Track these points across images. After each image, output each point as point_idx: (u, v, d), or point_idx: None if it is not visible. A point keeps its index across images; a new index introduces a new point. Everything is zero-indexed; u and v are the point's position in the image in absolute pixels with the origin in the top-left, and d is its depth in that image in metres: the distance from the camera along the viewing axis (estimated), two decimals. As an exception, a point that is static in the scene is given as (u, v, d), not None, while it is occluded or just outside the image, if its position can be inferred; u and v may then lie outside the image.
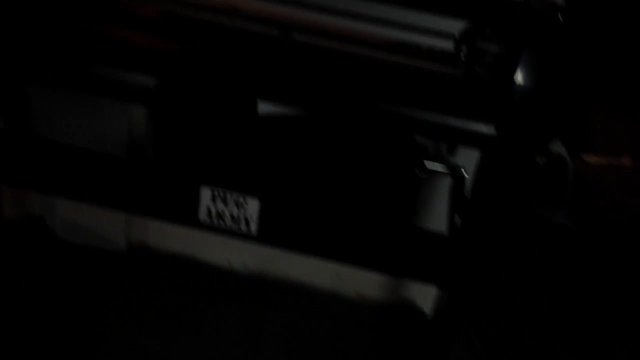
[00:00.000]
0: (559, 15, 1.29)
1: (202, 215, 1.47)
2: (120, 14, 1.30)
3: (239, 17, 1.30)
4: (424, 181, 1.85)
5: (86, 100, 1.69)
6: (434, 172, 1.76)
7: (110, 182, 1.53)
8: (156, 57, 1.29)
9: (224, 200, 1.45)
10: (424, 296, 2.07)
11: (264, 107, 1.33)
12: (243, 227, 1.47)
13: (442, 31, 1.31)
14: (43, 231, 2.09)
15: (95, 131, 1.68)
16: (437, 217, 1.94)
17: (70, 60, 1.37)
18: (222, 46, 1.29)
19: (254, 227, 1.47)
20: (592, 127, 3.66)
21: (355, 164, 1.60)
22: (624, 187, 3.18)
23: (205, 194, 1.44)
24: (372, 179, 1.63)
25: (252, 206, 1.45)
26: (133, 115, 1.60)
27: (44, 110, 1.70)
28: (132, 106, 1.60)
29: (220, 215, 1.46)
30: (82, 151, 1.52)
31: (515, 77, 1.23)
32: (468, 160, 1.66)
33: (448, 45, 1.31)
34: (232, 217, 1.46)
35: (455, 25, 1.31)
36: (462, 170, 1.69)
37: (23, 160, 1.54)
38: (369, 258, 1.53)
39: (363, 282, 2.13)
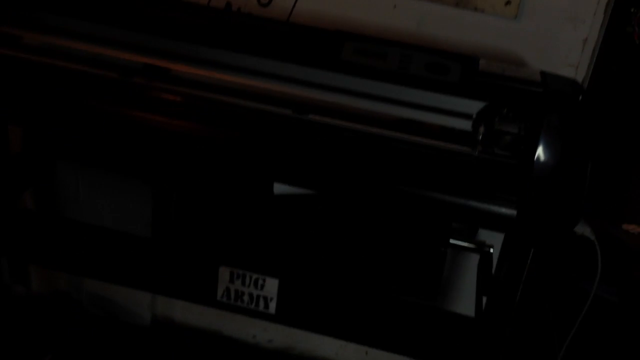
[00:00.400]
0: (580, 95, 1.27)
1: (220, 295, 1.46)
2: (140, 97, 1.33)
3: (254, 98, 1.32)
4: (449, 259, 1.82)
5: (112, 178, 1.73)
6: (460, 249, 1.73)
7: (131, 263, 1.54)
8: (174, 138, 1.31)
9: (243, 280, 1.44)
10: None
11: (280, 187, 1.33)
12: (262, 307, 1.45)
13: (459, 111, 1.30)
14: (70, 304, 2.11)
15: (121, 209, 1.71)
16: (464, 296, 1.90)
17: (96, 141, 1.39)
18: (238, 128, 1.30)
19: (272, 307, 1.45)
20: (632, 195, 3.59)
21: (376, 242, 1.58)
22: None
23: (224, 274, 1.44)
24: (395, 258, 1.61)
25: (271, 286, 1.43)
26: (157, 194, 1.62)
27: (71, 188, 1.73)
28: (156, 185, 1.62)
29: (238, 295, 1.45)
30: (106, 232, 1.54)
31: (535, 158, 1.21)
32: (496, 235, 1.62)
33: (465, 124, 1.30)
34: (250, 296, 1.45)
35: (473, 105, 1.30)
36: (490, 248, 1.65)
37: (51, 242, 1.57)
38: (390, 341, 1.49)
39: (392, 360, 2.08)
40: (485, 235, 1.68)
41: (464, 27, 1.68)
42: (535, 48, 1.67)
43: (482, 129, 1.28)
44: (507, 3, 1.62)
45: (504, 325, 1.42)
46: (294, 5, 1.72)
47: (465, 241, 1.65)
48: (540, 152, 1.20)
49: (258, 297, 1.45)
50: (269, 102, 1.32)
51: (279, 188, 1.32)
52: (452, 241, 1.63)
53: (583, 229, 1.37)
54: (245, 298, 1.45)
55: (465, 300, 1.90)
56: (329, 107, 1.31)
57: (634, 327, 2.64)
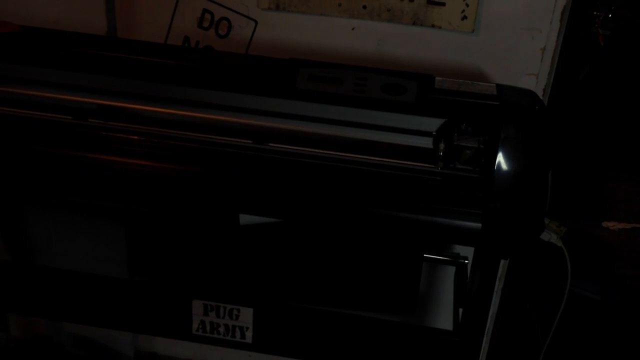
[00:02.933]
0: (536, 105, 1.29)
1: (196, 328, 1.45)
2: (98, 138, 1.33)
3: (214, 131, 1.33)
4: (426, 273, 1.82)
5: (84, 220, 1.72)
6: (436, 262, 1.73)
7: (106, 305, 1.54)
8: (137, 177, 1.31)
9: (217, 312, 1.43)
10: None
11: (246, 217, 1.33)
12: (238, 336, 1.45)
13: (418, 130, 1.31)
14: (51, 347, 2.09)
15: (95, 251, 1.70)
16: (445, 309, 1.90)
17: (59, 186, 1.38)
18: (199, 162, 1.30)
19: (249, 336, 1.45)
20: (611, 193, 3.63)
21: (349, 263, 1.58)
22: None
23: (197, 307, 1.43)
24: (369, 277, 1.61)
25: (246, 315, 1.43)
26: (130, 232, 1.61)
27: (43, 235, 1.73)
28: (128, 224, 1.62)
29: (214, 327, 1.45)
30: (80, 276, 1.54)
31: (495, 169, 1.22)
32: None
33: (426, 142, 1.32)
34: (226, 327, 1.45)
35: (432, 123, 1.31)
36: (464, 259, 1.66)
37: (27, 290, 1.57)
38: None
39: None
40: (460, 246, 1.68)
41: (423, 44, 1.69)
42: (495, 60, 1.68)
43: (442, 145, 1.30)
44: (464, 18, 1.63)
45: (480, 336, 1.42)
46: (252, 35, 1.73)
47: (440, 254, 1.66)
48: (499, 163, 1.21)
49: (234, 327, 1.45)
50: (228, 134, 1.33)
51: (244, 218, 1.32)
52: (426, 255, 1.64)
53: (549, 236, 1.38)
54: (222, 329, 1.45)
55: (446, 313, 1.90)
56: (288, 134, 1.32)
57: (615, 323, 2.66)
